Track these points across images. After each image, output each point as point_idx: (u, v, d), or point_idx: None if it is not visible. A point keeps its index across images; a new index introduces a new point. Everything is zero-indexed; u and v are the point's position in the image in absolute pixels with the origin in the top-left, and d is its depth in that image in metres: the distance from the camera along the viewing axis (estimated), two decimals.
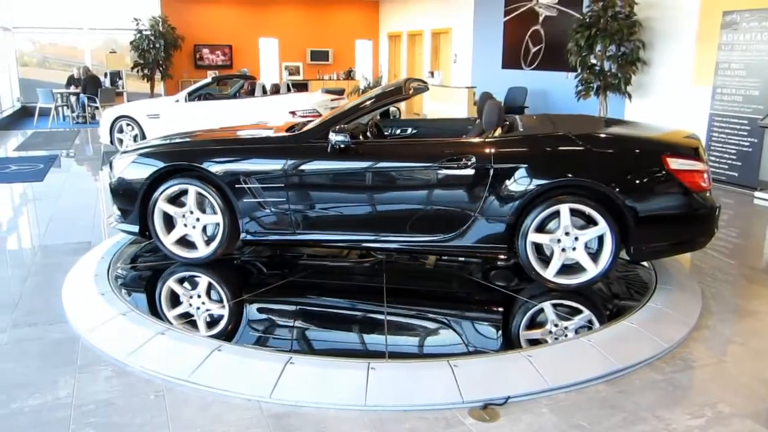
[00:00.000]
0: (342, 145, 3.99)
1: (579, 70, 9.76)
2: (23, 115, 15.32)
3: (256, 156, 4.22)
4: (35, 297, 4.10)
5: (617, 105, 9.78)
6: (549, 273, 3.91)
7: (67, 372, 3.10)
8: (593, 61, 9.61)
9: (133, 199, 4.37)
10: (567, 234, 3.82)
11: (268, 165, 4.15)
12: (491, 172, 3.86)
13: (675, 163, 3.75)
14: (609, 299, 4.09)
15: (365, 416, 2.73)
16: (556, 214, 3.83)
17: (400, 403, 2.79)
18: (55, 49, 17.53)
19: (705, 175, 3.83)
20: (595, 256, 3.86)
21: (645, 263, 4.45)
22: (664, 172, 3.75)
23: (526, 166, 3.84)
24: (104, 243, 5.03)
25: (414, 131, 5.29)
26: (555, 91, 11.60)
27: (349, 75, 19.01)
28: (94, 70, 15.70)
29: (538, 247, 3.94)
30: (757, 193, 7.15)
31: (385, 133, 5.24)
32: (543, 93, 11.89)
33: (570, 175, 3.81)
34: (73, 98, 14.72)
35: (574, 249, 3.85)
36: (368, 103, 4.28)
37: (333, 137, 3.98)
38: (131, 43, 15.97)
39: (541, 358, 3.11)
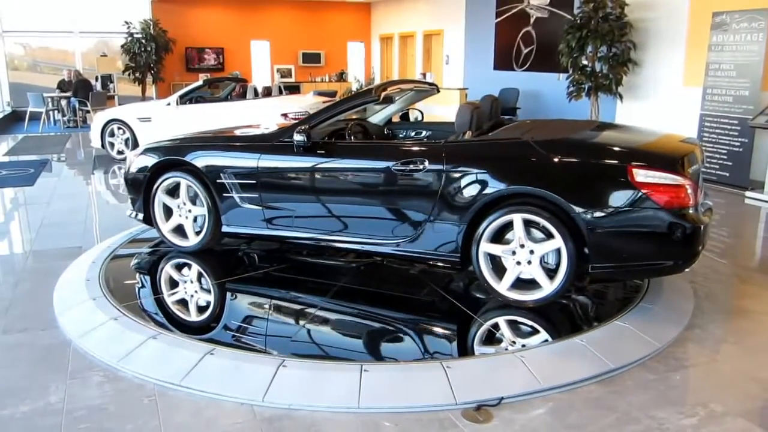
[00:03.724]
0: (302, 146, 4.09)
1: (570, 71, 9.79)
2: (14, 119, 15.22)
3: (233, 152, 4.46)
4: (26, 302, 4.07)
5: (608, 106, 9.82)
6: (502, 287, 3.69)
7: (58, 378, 3.08)
8: (584, 62, 9.66)
9: (138, 190, 4.79)
10: (522, 246, 3.60)
11: (242, 161, 4.38)
12: (443, 176, 3.74)
13: (642, 176, 3.36)
14: (600, 299, 4.09)
15: (358, 418, 2.72)
16: (513, 225, 3.61)
17: (394, 405, 2.78)
18: (46, 53, 17.41)
19: (686, 190, 3.36)
20: (553, 272, 3.59)
21: None
22: (627, 185, 3.38)
23: (479, 171, 3.66)
24: (95, 247, 5.02)
25: (428, 133, 5.26)
26: (547, 92, 11.63)
27: (341, 77, 18.99)
28: (85, 73, 15.63)
29: (498, 260, 3.74)
30: (748, 193, 7.20)
31: (401, 135, 5.31)
32: (535, 94, 11.93)
33: (521, 184, 3.60)
34: (63, 102, 14.64)
35: (529, 263, 3.61)
36: (337, 105, 4.34)
37: (295, 137, 4.10)
38: (122, 46, 15.90)
39: (534, 358, 3.11)
